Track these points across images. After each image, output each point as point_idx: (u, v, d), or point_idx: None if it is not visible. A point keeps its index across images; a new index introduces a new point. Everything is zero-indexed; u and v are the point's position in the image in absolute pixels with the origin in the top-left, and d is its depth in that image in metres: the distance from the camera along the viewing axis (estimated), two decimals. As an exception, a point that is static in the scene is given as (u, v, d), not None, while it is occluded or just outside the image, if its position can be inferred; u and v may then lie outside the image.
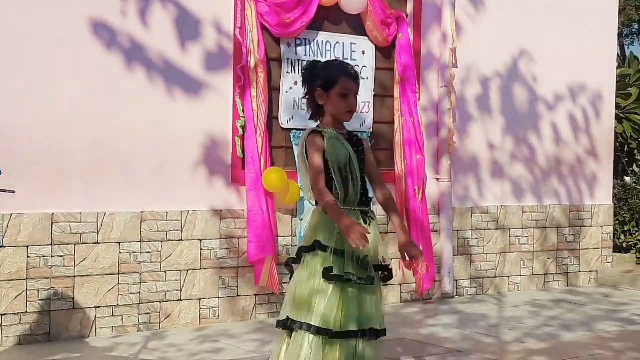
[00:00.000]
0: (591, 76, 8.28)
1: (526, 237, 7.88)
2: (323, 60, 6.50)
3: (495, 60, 7.66)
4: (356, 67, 6.75)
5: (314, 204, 3.96)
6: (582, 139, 8.30)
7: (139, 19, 5.90)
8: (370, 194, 3.95)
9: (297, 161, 3.97)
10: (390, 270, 3.90)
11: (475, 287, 7.57)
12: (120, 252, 5.83)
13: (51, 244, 5.58)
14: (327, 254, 3.72)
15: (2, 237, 5.32)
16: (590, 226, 8.33)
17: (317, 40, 6.63)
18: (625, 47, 21.27)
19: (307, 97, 3.94)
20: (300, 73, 6.45)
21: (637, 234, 9.09)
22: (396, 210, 4.06)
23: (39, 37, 5.54)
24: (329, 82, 3.82)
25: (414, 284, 7.14)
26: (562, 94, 8.13)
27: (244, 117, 6.19)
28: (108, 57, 5.78)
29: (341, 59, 6.69)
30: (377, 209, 4.00)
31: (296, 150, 6.50)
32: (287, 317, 3.77)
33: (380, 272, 3.86)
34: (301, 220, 6.39)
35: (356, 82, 3.88)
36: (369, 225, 3.81)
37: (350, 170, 3.81)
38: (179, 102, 6.06)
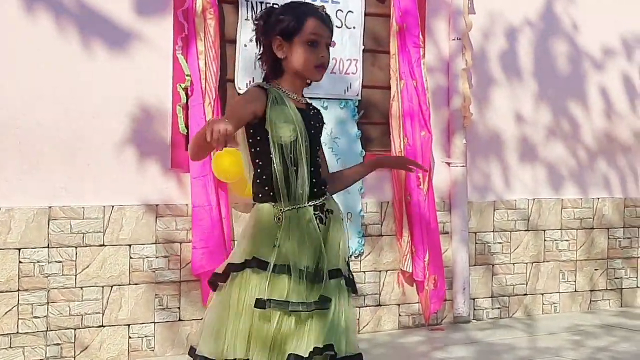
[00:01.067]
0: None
1: (566, 240, 7.96)
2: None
3: (525, 4, 7.72)
4: (339, 12, 6.82)
5: (252, 198, 3.91)
6: (641, 110, 8.43)
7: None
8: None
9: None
10: (353, 284, 3.92)
11: (499, 308, 7.63)
12: (20, 262, 5.80)
13: None
14: (266, 274, 3.69)
15: None
16: (652, 226, 8.46)
17: (287, -24, 6.61)
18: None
19: (262, 54, 3.93)
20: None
21: None
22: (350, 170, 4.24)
23: None
24: (291, 26, 3.82)
25: (417, 304, 7.19)
26: (613, 47, 8.21)
27: (189, 78, 6.19)
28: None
29: (319, 0, 6.69)
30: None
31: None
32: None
33: (345, 281, 3.86)
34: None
35: (328, 27, 3.89)
36: (325, 223, 3.83)
37: (296, 151, 3.78)
38: (98, 59, 6.05)
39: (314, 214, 3.80)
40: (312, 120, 3.88)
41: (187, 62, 6.21)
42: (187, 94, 6.21)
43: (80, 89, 5.97)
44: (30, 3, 5.81)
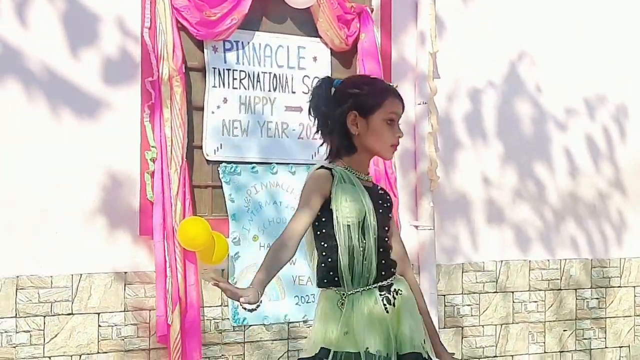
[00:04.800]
0: (614, 85, 8.57)
1: (535, 302, 8.04)
2: (262, 68, 6.75)
3: (489, 68, 7.88)
4: (306, 78, 6.95)
5: (317, 284, 3.77)
6: (605, 169, 8.55)
7: (14, 14, 5.98)
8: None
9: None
10: None
11: (469, 370, 7.71)
12: (-13, 332, 5.85)
13: None
14: None
15: None
16: (619, 286, 8.55)
17: (253, 43, 6.78)
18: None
19: (323, 126, 3.76)
20: (231, 86, 6.63)
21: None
22: (424, 303, 3.95)
23: None
24: (371, 102, 3.70)
25: (387, 368, 7.21)
26: (575, 107, 8.37)
27: (155, 149, 6.29)
28: (-29, 68, 5.85)
29: (286, 67, 6.85)
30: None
31: (233, 193, 6.58)
32: None
33: None
34: (235, 284, 6.48)
35: (403, 106, 3.81)
36: (394, 304, 3.66)
37: (363, 232, 3.64)
38: (68, 127, 6.13)
39: (380, 294, 3.64)
40: (380, 200, 3.77)
41: (153, 130, 6.28)
42: (154, 162, 6.28)
43: (50, 155, 6.04)
44: (2, 70, 5.92)
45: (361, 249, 3.61)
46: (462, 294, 7.67)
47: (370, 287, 3.62)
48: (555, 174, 8.23)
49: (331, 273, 3.65)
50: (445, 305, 7.56)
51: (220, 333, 6.55)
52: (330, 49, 7.10)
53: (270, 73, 6.74)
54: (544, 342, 8.08)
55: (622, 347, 8.54)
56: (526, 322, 7.99)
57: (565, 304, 8.20)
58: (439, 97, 7.49)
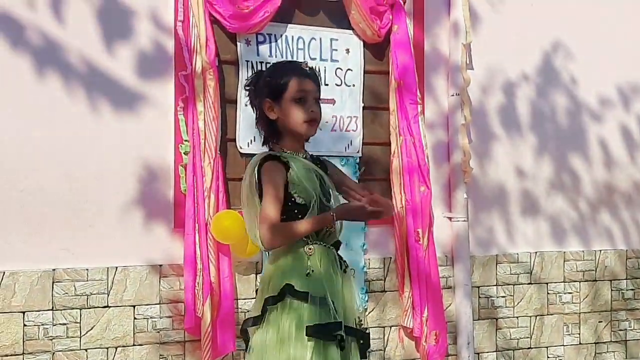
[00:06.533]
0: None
1: (569, 293, 8.04)
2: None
3: (523, 59, 7.87)
4: (339, 71, 6.96)
5: (264, 248, 4.04)
6: (641, 160, 8.55)
7: (52, 10, 6.04)
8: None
9: (242, 198, 4.35)
10: (368, 338, 4.04)
11: (504, 362, 7.72)
12: (25, 325, 5.89)
13: None
14: (306, 305, 3.81)
15: None
16: (655, 277, 8.55)
17: (286, 36, 6.82)
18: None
19: (257, 118, 4.13)
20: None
21: None
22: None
23: None
24: (277, 87, 3.97)
25: (420, 360, 7.25)
26: (611, 98, 8.35)
27: (188, 143, 6.34)
28: (9, 59, 5.91)
29: (319, 59, 6.87)
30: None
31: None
32: None
33: (356, 339, 3.96)
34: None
35: (314, 81, 4.03)
36: (345, 272, 3.98)
37: (331, 200, 3.99)
38: (103, 120, 6.19)
39: (336, 256, 3.99)
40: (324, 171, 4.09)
41: (186, 123, 6.33)
42: (187, 156, 6.33)
43: (85, 148, 6.10)
44: (38, 65, 5.97)
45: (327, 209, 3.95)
46: (496, 285, 7.68)
47: (328, 245, 3.97)
48: (591, 165, 8.21)
49: None
50: (479, 297, 7.58)
51: (255, 325, 6.58)
52: (363, 40, 7.11)
53: (303, 66, 6.77)
54: (579, 334, 8.08)
55: (658, 338, 8.54)
56: (561, 314, 7.99)
57: (601, 295, 8.20)
58: (472, 89, 7.49)
